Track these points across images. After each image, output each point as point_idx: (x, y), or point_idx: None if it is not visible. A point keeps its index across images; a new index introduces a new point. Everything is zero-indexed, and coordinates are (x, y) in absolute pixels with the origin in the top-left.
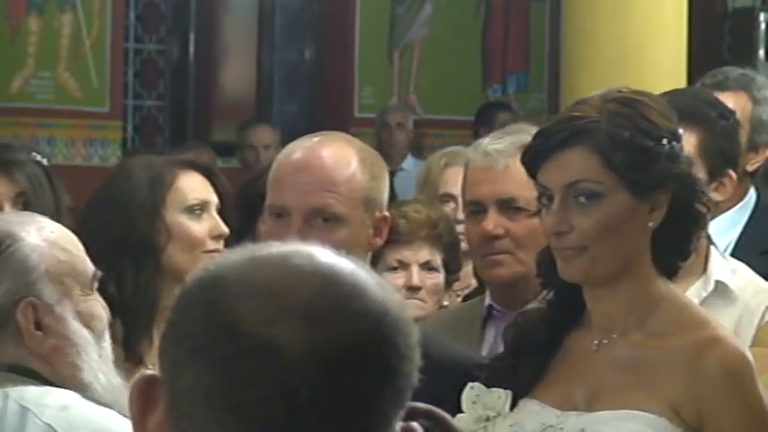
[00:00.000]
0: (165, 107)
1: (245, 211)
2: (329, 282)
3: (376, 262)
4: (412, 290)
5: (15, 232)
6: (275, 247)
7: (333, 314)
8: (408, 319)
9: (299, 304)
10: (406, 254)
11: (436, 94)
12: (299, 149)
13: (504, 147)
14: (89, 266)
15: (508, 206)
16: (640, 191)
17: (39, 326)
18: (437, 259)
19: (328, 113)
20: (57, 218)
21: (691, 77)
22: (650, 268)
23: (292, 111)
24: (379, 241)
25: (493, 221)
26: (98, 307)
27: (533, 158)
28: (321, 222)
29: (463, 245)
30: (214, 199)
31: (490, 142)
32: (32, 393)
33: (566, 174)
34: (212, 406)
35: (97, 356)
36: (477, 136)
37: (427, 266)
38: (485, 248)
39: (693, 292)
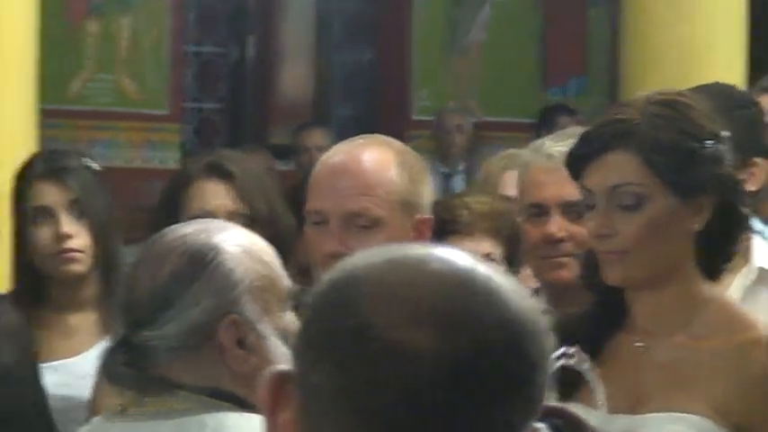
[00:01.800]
0: (224, 110)
1: (294, 213)
2: (464, 288)
3: None
4: None
5: (218, 244)
6: (413, 249)
7: (465, 322)
8: (544, 327)
9: (432, 310)
10: (467, 245)
11: (495, 97)
12: (338, 153)
13: (567, 149)
14: (285, 280)
15: (572, 209)
16: (684, 193)
17: (241, 344)
18: (498, 252)
19: (386, 116)
20: (109, 223)
21: (751, 78)
22: (694, 271)
23: (350, 113)
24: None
25: (557, 224)
26: (292, 323)
27: (577, 162)
28: (360, 226)
29: None
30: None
31: (552, 144)
32: (232, 421)
33: (609, 177)
34: (340, 407)
35: None
36: (538, 138)
37: (488, 259)
38: (547, 251)
39: (737, 282)
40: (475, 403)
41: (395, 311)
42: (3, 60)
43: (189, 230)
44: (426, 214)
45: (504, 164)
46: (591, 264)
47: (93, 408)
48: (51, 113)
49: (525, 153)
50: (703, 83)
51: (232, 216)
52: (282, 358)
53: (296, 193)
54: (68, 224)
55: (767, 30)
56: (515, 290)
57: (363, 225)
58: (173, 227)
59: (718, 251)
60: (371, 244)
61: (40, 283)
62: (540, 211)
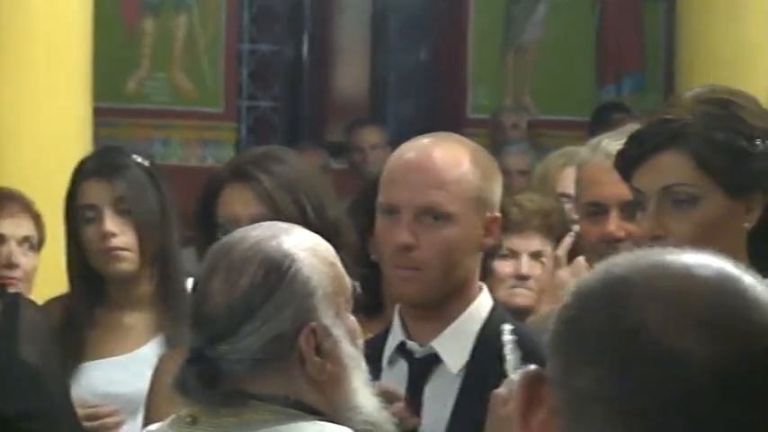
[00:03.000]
0: (280, 108)
1: (366, 213)
2: (732, 295)
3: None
4: (520, 278)
5: (291, 251)
6: (676, 254)
7: (734, 329)
8: None
9: (705, 315)
10: (516, 242)
11: (550, 95)
12: (411, 149)
13: None
14: (349, 280)
15: (631, 208)
16: (736, 192)
17: (318, 351)
18: (548, 249)
19: (442, 114)
20: (163, 220)
21: None
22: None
23: (406, 111)
24: (491, 241)
25: (615, 223)
26: (356, 322)
27: (627, 162)
28: (431, 220)
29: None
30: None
31: (610, 143)
32: (310, 431)
33: (660, 178)
34: (611, 410)
35: (363, 375)
36: (593, 136)
37: (537, 256)
38: (605, 249)
39: None
40: (745, 411)
41: (670, 316)
42: (59, 59)
43: (258, 237)
44: (497, 212)
45: (563, 161)
46: None
47: (149, 412)
48: (107, 112)
49: (583, 151)
50: (759, 80)
51: (256, 220)
52: (353, 361)
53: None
54: (112, 222)
55: None
56: None
57: (435, 219)
58: (237, 233)
59: None
60: (442, 238)
61: (94, 282)
62: (598, 210)
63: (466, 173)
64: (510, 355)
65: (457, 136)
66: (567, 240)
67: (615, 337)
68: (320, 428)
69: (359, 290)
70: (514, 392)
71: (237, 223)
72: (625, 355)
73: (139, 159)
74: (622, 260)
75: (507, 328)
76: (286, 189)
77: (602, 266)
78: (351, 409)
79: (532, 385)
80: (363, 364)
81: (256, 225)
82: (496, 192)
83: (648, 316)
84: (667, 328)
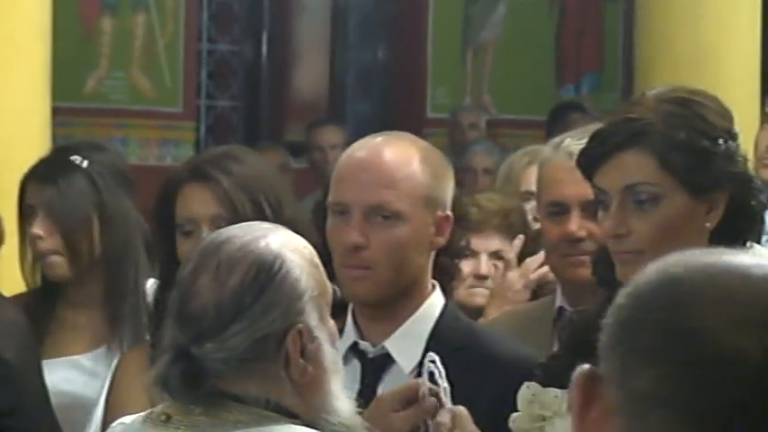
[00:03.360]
0: (239, 107)
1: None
2: None
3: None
4: (479, 278)
5: (282, 252)
6: (732, 255)
7: None
8: None
9: (762, 318)
10: (475, 242)
11: (509, 94)
12: (361, 148)
13: None
14: (329, 283)
15: (592, 208)
16: (698, 192)
17: (302, 353)
18: (507, 249)
19: (401, 114)
20: (105, 223)
21: (765, 77)
22: None
23: (365, 111)
24: (441, 240)
25: (577, 223)
26: (335, 326)
27: (590, 161)
28: (381, 219)
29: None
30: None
31: (572, 142)
32: None
33: (623, 177)
34: (670, 411)
35: (341, 379)
36: (549, 136)
37: (497, 256)
38: (566, 249)
39: None
40: None
41: (728, 316)
42: (17, 59)
43: (247, 237)
44: (448, 211)
45: (527, 160)
46: (603, 261)
47: (110, 411)
48: (66, 111)
49: (545, 150)
50: (718, 80)
51: (215, 220)
52: (333, 365)
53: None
54: (40, 225)
55: None
56: None
57: (385, 218)
58: (222, 233)
59: (732, 247)
60: (392, 237)
61: (49, 282)
62: (559, 210)
63: (416, 171)
64: (444, 383)
65: (408, 135)
66: (517, 243)
67: (674, 339)
68: None
69: (338, 294)
70: (571, 390)
71: (195, 223)
72: (684, 356)
73: (78, 161)
74: (677, 260)
75: (434, 356)
76: (244, 189)
77: (655, 267)
78: (328, 411)
79: (588, 384)
80: (342, 368)
81: (242, 225)
82: (447, 190)
83: (707, 317)
84: (727, 329)
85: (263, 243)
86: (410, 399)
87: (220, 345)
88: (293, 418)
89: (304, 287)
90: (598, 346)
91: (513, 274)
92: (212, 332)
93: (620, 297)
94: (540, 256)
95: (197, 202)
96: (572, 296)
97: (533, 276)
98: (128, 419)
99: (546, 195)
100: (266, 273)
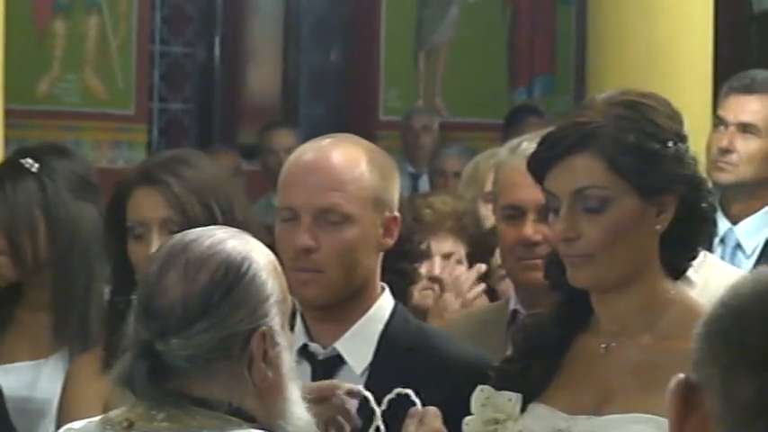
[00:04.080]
0: (191, 110)
1: None
2: None
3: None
4: (433, 280)
5: (250, 254)
6: None
7: None
8: None
9: None
10: (429, 244)
11: (462, 97)
12: (307, 151)
13: None
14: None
15: (547, 211)
16: (648, 195)
17: (264, 357)
18: (461, 251)
19: (354, 116)
20: (51, 226)
21: (717, 80)
22: (658, 271)
23: (318, 113)
24: (390, 241)
25: (532, 227)
26: (292, 337)
27: (540, 165)
28: (330, 222)
29: None
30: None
31: (529, 145)
32: None
33: (573, 180)
34: None
35: (298, 386)
36: (506, 140)
37: (450, 258)
38: (522, 253)
39: None
40: None
41: None
42: None
43: (216, 238)
44: (396, 212)
45: (493, 161)
46: (555, 264)
47: (66, 413)
48: (18, 114)
49: (502, 152)
50: (670, 83)
51: (165, 224)
52: (291, 373)
53: None
54: None
55: (734, 29)
56: None
57: (334, 221)
58: (190, 233)
59: (683, 250)
60: (342, 239)
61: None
62: (515, 213)
63: (363, 173)
64: (378, 408)
65: (353, 137)
66: (478, 290)
67: None
68: None
69: (298, 307)
70: (669, 400)
71: (146, 227)
72: None
73: (28, 164)
74: (763, 273)
75: (407, 392)
76: (194, 193)
77: (751, 277)
78: (286, 417)
79: (684, 393)
80: (298, 377)
81: (208, 227)
82: (394, 191)
83: None
84: None
85: (230, 244)
86: (323, 397)
87: (186, 341)
88: (252, 421)
89: (270, 291)
90: (693, 355)
91: (450, 295)
92: (178, 328)
93: (717, 307)
94: (473, 272)
95: (147, 206)
96: (526, 299)
97: (470, 296)
98: (77, 425)
99: (502, 198)
100: (234, 273)
